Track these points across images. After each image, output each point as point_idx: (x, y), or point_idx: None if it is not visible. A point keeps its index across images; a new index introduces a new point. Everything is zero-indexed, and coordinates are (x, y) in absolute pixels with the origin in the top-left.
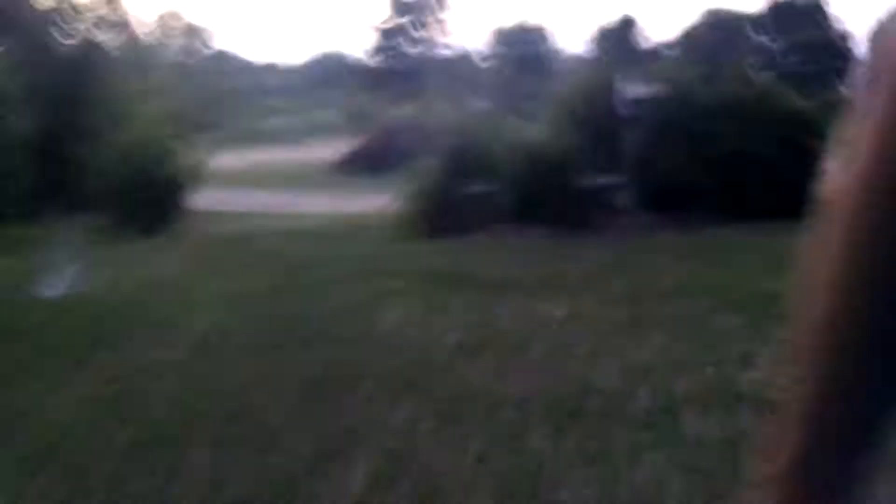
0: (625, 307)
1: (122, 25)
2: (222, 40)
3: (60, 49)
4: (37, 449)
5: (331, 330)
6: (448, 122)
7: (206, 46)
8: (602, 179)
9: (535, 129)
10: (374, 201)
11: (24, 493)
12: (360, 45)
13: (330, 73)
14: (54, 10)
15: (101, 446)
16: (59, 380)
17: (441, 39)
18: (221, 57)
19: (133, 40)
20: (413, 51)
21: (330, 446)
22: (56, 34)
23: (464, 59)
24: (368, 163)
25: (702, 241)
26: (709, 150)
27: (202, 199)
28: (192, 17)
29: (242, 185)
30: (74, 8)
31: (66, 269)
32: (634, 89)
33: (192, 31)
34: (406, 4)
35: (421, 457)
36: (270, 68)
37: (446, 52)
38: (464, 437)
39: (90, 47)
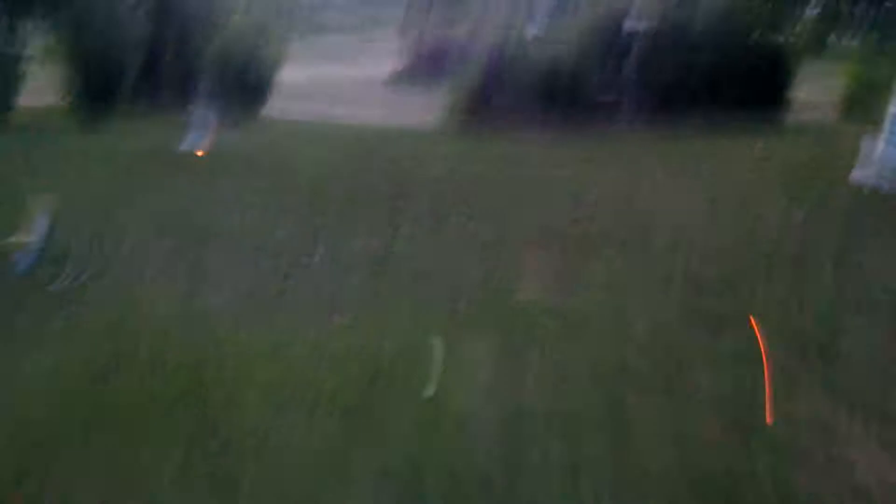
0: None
1: None
2: None
3: None
4: None
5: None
6: (488, 42)
7: None
8: (605, 95)
9: (559, 52)
10: (418, 112)
11: None
12: None
13: None
14: None
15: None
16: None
17: None
18: None
19: None
20: None
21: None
22: None
23: None
24: (417, 78)
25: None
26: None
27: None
28: None
29: (302, 98)
30: None
31: (198, 134)
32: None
33: None
34: None
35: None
36: None
37: None
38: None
39: None
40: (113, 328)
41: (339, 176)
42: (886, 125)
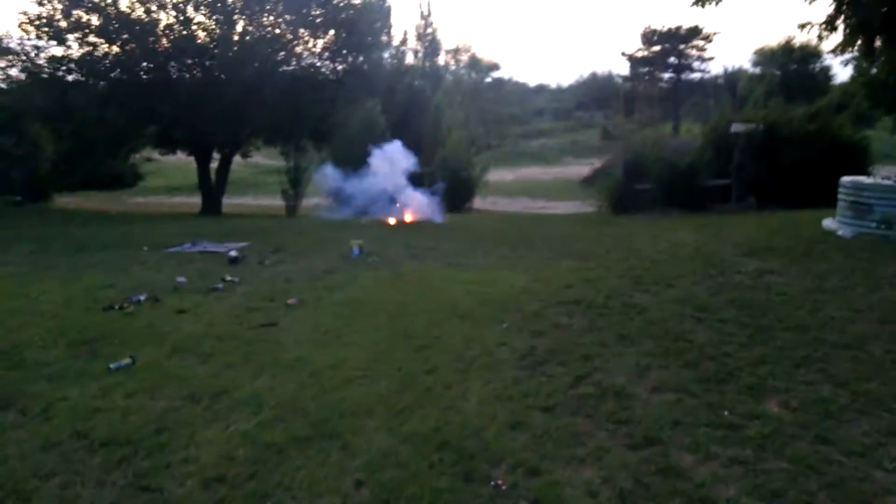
0: (683, 229)
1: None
2: (501, 67)
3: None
4: None
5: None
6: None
7: (487, 74)
8: (715, 181)
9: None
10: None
11: None
12: (621, 68)
13: (594, 94)
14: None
15: None
16: None
17: (694, 63)
18: (499, 84)
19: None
20: (665, 76)
21: None
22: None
23: (711, 82)
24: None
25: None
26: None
27: (480, 203)
28: (475, 47)
29: (508, 195)
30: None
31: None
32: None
33: (475, 62)
34: (656, 34)
35: None
36: (541, 89)
37: (697, 76)
38: None
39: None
40: None
41: (500, 233)
42: None
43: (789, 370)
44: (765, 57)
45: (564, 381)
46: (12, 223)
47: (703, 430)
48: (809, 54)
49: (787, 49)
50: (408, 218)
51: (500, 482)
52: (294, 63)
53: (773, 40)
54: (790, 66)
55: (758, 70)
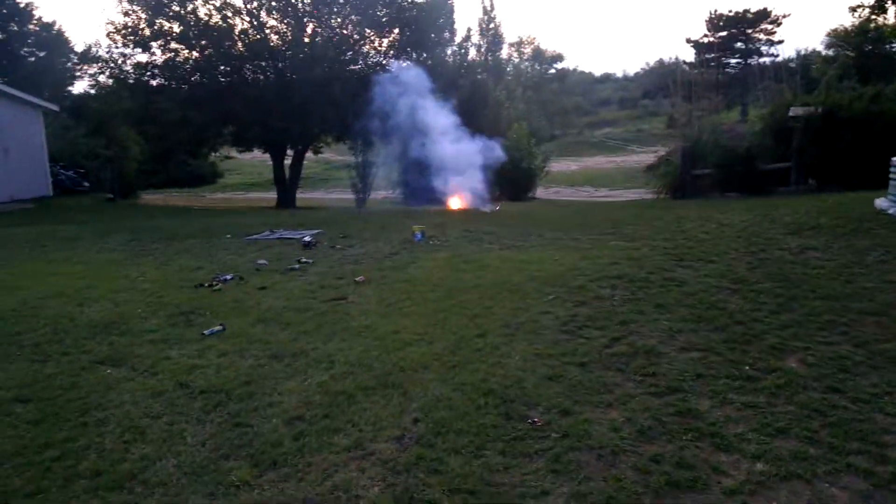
0: (735, 211)
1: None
2: (566, 58)
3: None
4: None
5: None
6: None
7: (551, 66)
8: (774, 165)
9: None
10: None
11: None
12: (688, 55)
13: (661, 82)
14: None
15: None
16: None
17: (763, 47)
18: (564, 74)
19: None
20: (732, 61)
21: None
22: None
23: (783, 65)
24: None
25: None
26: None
27: (543, 192)
28: (539, 39)
29: (572, 184)
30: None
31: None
32: (797, 109)
33: (539, 53)
34: (723, 19)
35: None
36: (607, 79)
37: (768, 60)
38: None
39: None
40: None
41: (556, 219)
42: None
43: (812, 332)
44: (838, 38)
45: (600, 343)
46: (107, 217)
47: (722, 381)
48: (886, 34)
49: (861, 29)
50: (457, 205)
51: (535, 419)
52: (361, 62)
53: (847, 20)
54: (865, 47)
55: (830, 52)
